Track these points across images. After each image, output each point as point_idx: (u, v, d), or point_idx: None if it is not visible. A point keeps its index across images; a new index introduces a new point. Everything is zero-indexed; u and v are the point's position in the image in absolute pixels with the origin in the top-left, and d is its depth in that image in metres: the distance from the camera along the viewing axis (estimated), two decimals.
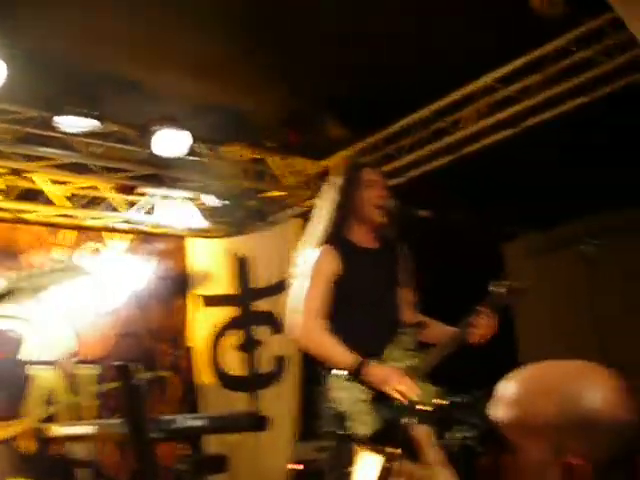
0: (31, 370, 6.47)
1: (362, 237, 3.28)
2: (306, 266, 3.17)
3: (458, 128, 5.56)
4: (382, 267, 3.26)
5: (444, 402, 2.92)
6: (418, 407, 2.85)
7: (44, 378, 6.54)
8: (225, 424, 4.44)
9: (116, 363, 5.02)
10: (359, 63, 5.12)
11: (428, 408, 2.86)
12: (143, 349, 7.07)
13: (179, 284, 7.36)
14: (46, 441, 5.49)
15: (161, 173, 6.33)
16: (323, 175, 6.43)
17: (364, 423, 2.90)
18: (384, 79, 5.21)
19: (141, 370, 5.94)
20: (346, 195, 3.27)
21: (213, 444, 6.11)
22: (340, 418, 2.91)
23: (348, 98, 5.51)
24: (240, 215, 7.05)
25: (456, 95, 5.46)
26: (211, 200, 6.87)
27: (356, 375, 2.93)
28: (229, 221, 7.13)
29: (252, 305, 7.04)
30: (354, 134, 6.12)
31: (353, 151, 6.20)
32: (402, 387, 2.90)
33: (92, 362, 6.82)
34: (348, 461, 2.92)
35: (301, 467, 5.44)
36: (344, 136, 6.07)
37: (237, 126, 6.07)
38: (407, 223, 3.31)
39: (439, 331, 3.27)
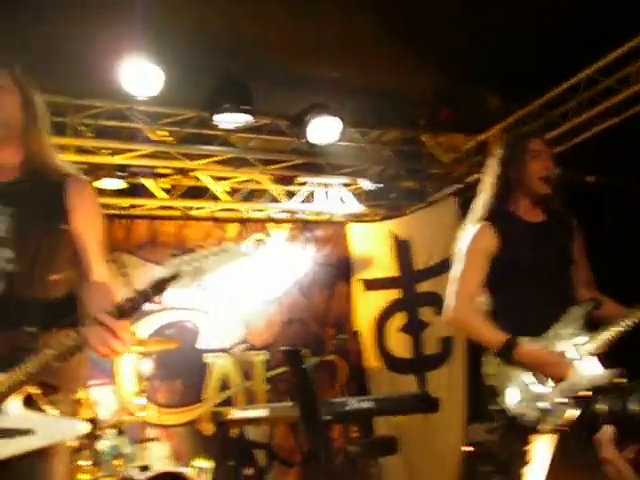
0: (207, 358, 6.82)
1: (527, 210, 3.11)
2: (463, 245, 3.07)
3: (626, 85, 5.13)
4: (550, 241, 3.06)
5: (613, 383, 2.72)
6: (576, 392, 2.69)
7: (219, 365, 6.87)
8: (396, 406, 4.43)
9: (285, 348, 5.18)
10: (508, 28, 4.88)
11: (587, 393, 2.69)
12: (309, 334, 7.23)
13: (341, 269, 7.45)
14: (224, 424, 5.75)
15: (317, 161, 6.40)
16: (480, 150, 6.22)
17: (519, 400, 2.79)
18: (538, 43, 4.94)
19: (309, 355, 6.06)
20: (509, 167, 3.11)
21: (382, 426, 6.15)
22: (497, 396, 2.82)
23: (499, 67, 5.28)
24: (397, 197, 6.99)
25: (621, 50, 5.04)
26: (368, 184, 6.86)
27: (506, 355, 2.79)
28: (387, 204, 7.10)
29: (416, 286, 6.98)
30: (509, 104, 5.86)
31: (510, 122, 5.93)
32: (555, 370, 2.74)
33: (261, 348, 7.08)
34: (518, 442, 2.80)
35: (472, 449, 5.33)
36: (500, 107, 5.83)
37: (388, 108, 6.01)
38: (574, 192, 3.10)
39: (614, 310, 3.03)
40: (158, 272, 2.06)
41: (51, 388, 2.05)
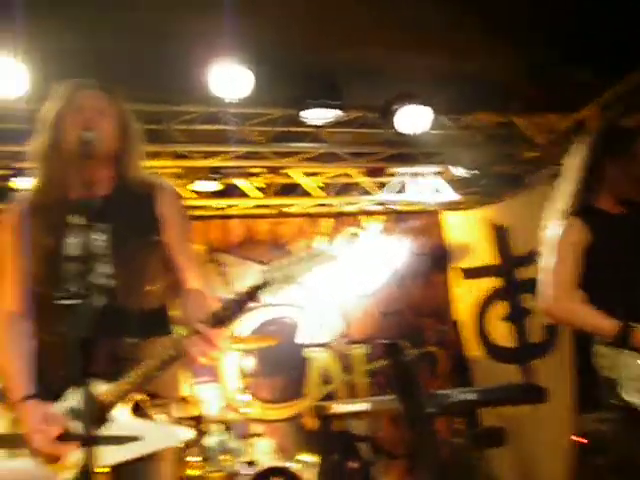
0: (307, 353, 6.88)
1: (609, 204, 2.95)
2: (552, 237, 2.94)
3: None
4: (634, 233, 2.90)
5: None
6: None
7: (319, 359, 6.92)
8: (502, 397, 4.34)
9: (385, 341, 5.17)
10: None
11: None
12: (408, 326, 7.18)
13: (437, 259, 7.36)
14: (327, 418, 5.78)
15: (408, 151, 6.33)
16: (577, 129, 5.97)
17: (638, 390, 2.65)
18: (629, 11, 4.68)
19: (409, 347, 6.01)
20: (599, 160, 2.94)
21: (487, 418, 6.02)
22: (613, 387, 2.69)
23: (589, 41, 5.04)
24: (493, 183, 6.82)
25: None
26: (461, 171, 6.73)
27: (623, 341, 2.66)
28: (482, 190, 6.94)
29: (516, 273, 6.79)
30: (603, 79, 5.59)
31: (606, 98, 5.65)
32: None
33: (360, 341, 7.08)
34: (632, 432, 2.67)
35: (585, 441, 5.14)
36: (594, 82, 5.57)
37: (478, 92, 5.86)
38: None
39: None
40: (250, 280, 2.09)
41: (154, 395, 2.11)
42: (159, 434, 2.07)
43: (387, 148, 6.21)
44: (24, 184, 5.54)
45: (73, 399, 2.01)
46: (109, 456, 1.91)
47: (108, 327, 2.02)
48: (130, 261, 2.15)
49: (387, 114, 5.51)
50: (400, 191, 6.83)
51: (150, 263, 2.21)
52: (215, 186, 6.23)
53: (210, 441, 5.49)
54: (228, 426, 5.71)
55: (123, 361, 2.05)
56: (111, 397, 1.98)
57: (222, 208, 6.70)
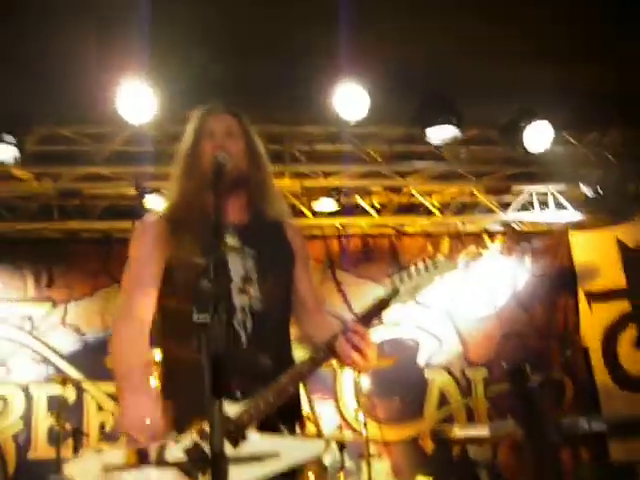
0: (427, 374, 6.79)
1: None
2: None
3: None
4: None
5: None
6: None
7: (438, 381, 6.81)
8: (633, 429, 4.12)
9: (507, 365, 5.02)
10: None
11: None
12: (529, 349, 6.93)
13: (562, 280, 7.08)
14: (445, 442, 5.68)
15: (532, 169, 6.15)
16: None
17: None
18: None
19: (533, 371, 5.80)
20: None
21: (616, 451, 5.70)
22: None
23: None
24: (621, 202, 6.51)
25: None
26: (587, 190, 6.47)
27: None
28: (610, 209, 6.63)
29: None
30: None
31: None
32: None
33: (480, 364, 6.91)
34: None
35: None
36: None
37: (605, 108, 5.62)
38: None
39: None
40: (377, 292, 2.15)
41: (281, 413, 2.13)
42: (294, 449, 2.09)
43: (510, 166, 6.06)
44: (155, 203, 5.84)
45: (209, 418, 2.06)
46: (247, 475, 1.94)
47: (250, 349, 2.11)
48: (273, 287, 2.22)
49: (512, 132, 5.39)
50: (524, 210, 6.64)
51: (288, 290, 2.30)
52: (334, 205, 6.28)
53: (327, 459, 5.49)
54: (343, 445, 5.69)
55: (260, 381, 2.09)
56: (247, 416, 2.02)
57: (341, 227, 6.75)
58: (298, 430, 2.22)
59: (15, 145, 5.01)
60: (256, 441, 1.94)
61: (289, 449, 2.06)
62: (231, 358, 1.82)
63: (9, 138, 4.96)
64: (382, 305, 2.13)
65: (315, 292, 2.41)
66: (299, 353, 2.31)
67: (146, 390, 2.09)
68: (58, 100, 4.87)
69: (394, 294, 2.13)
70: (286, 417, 2.14)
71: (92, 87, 4.75)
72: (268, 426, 2.06)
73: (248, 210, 2.32)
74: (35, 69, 4.50)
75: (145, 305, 2.23)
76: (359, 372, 4.86)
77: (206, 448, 2.00)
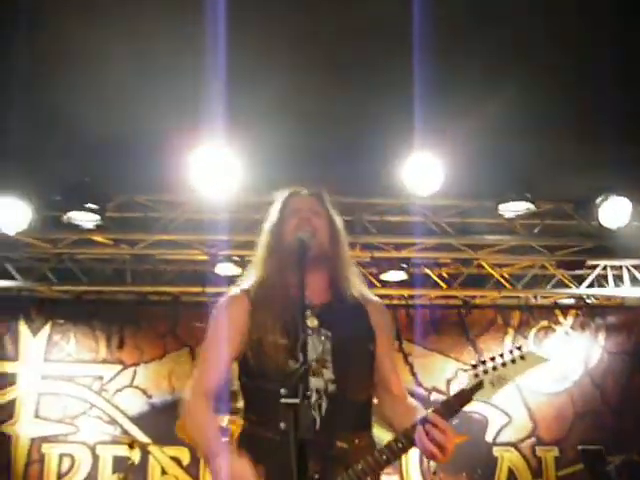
0: (496, 451, 6.57)
1: None
2: None
3: None
4: None
5: None
6: None
7: (507, 459, 6.58)
8: None
9: (583, 447, 4.82)
10: None
11: None
12: (605, 429, 6.65)
13: (638, 358, 6.82)
14: None
15: (606, 244, 6.01)
16: None
17: None
18: None
19: (608, 453, 5.55)
20: None
21: None
22: None
23: None
24: None
25: None
26: None
27: None
28: None
29: None
30: None
31: None
32: None
33: (551, 443, 6.66)
34: None
35: None
36: None
37: None
38: None
39: None
40: (461, 384, 2.09)
41: None
42: None
43: (584, 240, 5.93)
44: (226, 270, 5.94)
45: None
46: None
47: (324, 431, 2.07)
48: (349, 368, 2.20)
49: (588, 207, 5.30)
50: (598, 285, 6.48)
51: (365, 372, 2.26)
52: (403, 275, 6.25)
53: None
54: None
55: (335, 464, 2.07)
56: None
57: (409, 297, 6.69)
58: None
59: (96, 212, 5.18)
60: None
61: None
62: (308, 441, 1.80)
63: (91, 205, 5.15)
64: (464, 398, 2.07)
65: (397, 373, 2.37)
66: (382, 435, 2.27)
67: (230, 450, 2.09)
68: (137, 169, 5.04)
69: (477, 387, 2.06)
70: None
71: (170, 156, 4.90)
72: None
73: (329, 289, 2.33)
74: (115, 140, 4.67)
75: (218, 381, 2.24)
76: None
77: None
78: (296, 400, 1.93)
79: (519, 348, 2.11)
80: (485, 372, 2.07)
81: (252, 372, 2.23)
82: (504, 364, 2.07)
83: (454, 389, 6.64)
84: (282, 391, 2.06)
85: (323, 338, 2.18)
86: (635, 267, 6.44)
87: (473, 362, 2.12)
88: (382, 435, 2.26)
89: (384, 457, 2.06)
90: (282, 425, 2.07)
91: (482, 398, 2.09)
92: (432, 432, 2.01)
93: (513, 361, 2.08)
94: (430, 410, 2.07)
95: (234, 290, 2.36)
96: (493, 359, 2.09)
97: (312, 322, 2.21)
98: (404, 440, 2.06)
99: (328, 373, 2.15)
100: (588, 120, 4.82)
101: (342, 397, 2.14)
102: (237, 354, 2.24)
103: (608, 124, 4.80)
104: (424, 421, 2.03)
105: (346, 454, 2.09)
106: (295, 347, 2.07)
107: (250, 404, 2.26)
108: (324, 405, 2.13)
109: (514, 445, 6.63)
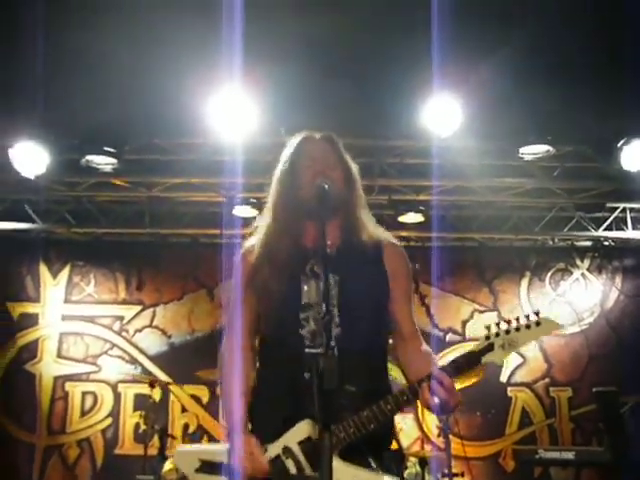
0: (510, 392, 6.66)
1: None
2: None
3: None
4: None
5: None
6: None
7: (522, 400, 6.68)
8: None
9: (597, 389, 4.86)
10: None
11: None
12: (619, 371, 6.69)
13: None
14: (528, 462, 5.54)
15: (627, 187, 5.94)
16: None
17: None
18: None
19: (620, 395, 5.60)
20: None
21: None
22: None
23: None
24: None
25: None
26: None
27: None
28: None
29: None
30: None
31: None
32: None
33: (565, 384, 6.74)
34: None
35: None
36: None
37: None
38: None
39: None
40: (470, 345, 2.08)
41: (371, 441, 2.13)
42: None
43: (604, 183, 5.87)
44: (243, 212, 5.95)
45: (289, 440, 2.10)
46: None
47: (332, 375, 2.08)
48: (357, 313, 2.19)
49: (609, 150, 5.22)
50: (616, 228, 6.44)
51: (375, 317, 2.24)
52: (420, 218, 6.23)
53: (406, 473, 5.46)
54: (424, 460, 5.64)
55: (342, 407, 2.09)
56: (331, 443, 2.01)
57: (425, 239, 6.69)
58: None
59: (113, 155, 5.18)
60: (336, 469, 1.94)
61: None
62: (317, 385, 1.82)
63: (109, 149, 5.14)
64: (472, 359, 2.06)
65: (412, 318, 2.32)
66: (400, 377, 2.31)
67: (244, 429, 2.16)
68: (154, 112, 5.01)
69: (487, 349, 2.05)
70: (374, 446, 2.12)
71: (187, 99, 4.86)
72: (356, 454, 2.05)
73: (341, 235, 2.30)
74: (132, 83, 4.63)
75: (242, 333, 2.28)
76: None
77: (289, 465, 2.07)
78: (319, 350, 1.99)
79: (537, 314, 2.08)
80: (497, 335, 2.05)
81: (266, 324, 2.25)
82: (518, 329, 2.04)
83: (469, 330, 6.72)
84: (306, 341, 2.14)
85: (332, 282, 2.16)
86: None
87: (488, 324, 2.10)
88: (400, 377, 2.30)
89: (388, 407, 2.06)
90: (306, 375, 2.08)
91: (491, 361, 2.07)
92: (437, 389, 2.01)
93: (528, 326, 2.04)
94: (438, 368, 2.06)
95: (246, 244, 2.36)
96: (509, 322, 2.07)
97: (317, 269, 2.20)
98: (410, 393, 2.07)
99: (336, 317, 2.14)
100: (609, 62, 4.72)
101: (349, 342, 2.13)
102: (256, 308, 2.27)
103: (630, 66, 4.70)
104: (431, 378, 2.03)
105: (354, 398, 2.09)
106: (298, 294, 2.15)
107: (266, 354, 2.29)
108: (331, 348, 2.05)
109: (528, 385, 6.71)
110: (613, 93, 4.98)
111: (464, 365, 2.06)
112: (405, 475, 5.45)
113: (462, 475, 5.58)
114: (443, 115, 4.94)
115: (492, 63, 4.77)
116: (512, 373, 6.70)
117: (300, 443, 2.09)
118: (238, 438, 2.11)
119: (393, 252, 2.33)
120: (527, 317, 2.06)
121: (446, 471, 5.47)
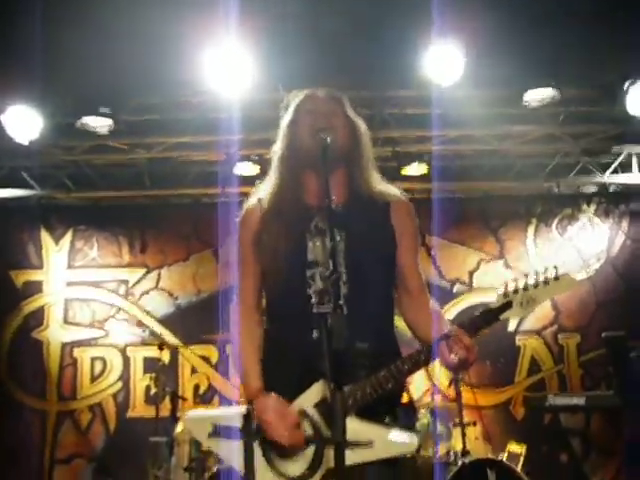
0: (519, 340, 6.67)
1: None
2: None
3: None
4: None
5: None
6: None
7: (530, 347, 6.69)
8: None
9: (606, 334, 4.86)
10: None
11: None
12: (626, 317, 6.69)
13: None
14: (538, 409, 5.58)
15: (632, 130, 5.85)
16: None
17: None
18: None
19: (628, 340, 5.61)
20: None
21: None
22: None
23: None
24: None
25: None
26: None
27: None
28: None
29: None
30: None
31: None
32: None
33: (573, 330, 6.74)
34: None
35: None
36: None
37: None
38: None
39: None
40: (490, 303, 2.05)
41: (384, 398, 2.11)
42: (389, 440, 2.05)
43: (610, 127, 5.78)
44: (246, 170, 5.86)
45: (305, 403, 2.08)
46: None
47: (340, 334, 2.05)
48: (363, 269, 2.16)
49: (615, 93, 5.12)
50: (623, 172, 6.36)
51: (382, 273, 2.21)
52: (424, 169, 6.15)
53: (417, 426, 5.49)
54: (433, 409, 5.67)
55: (355, 365, 2.07)
56: (342, 402, 2.00)
57: (430, 191, 6.62)
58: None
59: (110, 116, 5.08)
60: (354, 428, 1.92)
61: (383, 442, 2.03)
62: (329, 343, 1.84)
63: (104, 110, 5.04)
64: (490, 316, 2.04)
65: (419, 274, 2.29)
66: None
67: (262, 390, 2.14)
68: (149, 72, 4.90)
69: (505, 307, 2.02)
70: (387, 402, 2.10)
71: (183, 56, 4.75)
72: (370, 412, 2.04)
73: (346, 190, 2.26)
74: (127, 42, 4.53)
75: (251, 291, 2.28)
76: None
77: (306, 427, 2.05)
78: (328, 309, 1.98)
79: (555, 267, 2.04)
80: (515, 292, 2.02)
81: (274, 283, 2.23)
82: (536, 285, 2.00)
83: (476, 280, 6.69)
84: (313, 300, 2.11)
85: (338, 239, 2.12)
86: None
87: (505, 281, 2.05)
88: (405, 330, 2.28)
89: (406, 367, 2.06)
90: (314, 334, 2.08)
91: (510, 317, 2.05)
92: (454, 347, 1.99)
93: (546, 282, 2.00)
94: (455, 326, 2.04)
95: (249, 202, 2.32)
96: (526, 276, 2.03)
97: (322, 225, 2.16)
98: (427, 353, 2.05)
99: (343, 275, 2.11)
100: (614, 4, 4.60)
101: (357, 300, 2.11)
102: (262, 267, 2.24)
103: (636, 7, 4.58)
104: (448, 336, 2.01)
105: (367, 356, 2.06)
106: (304, 251, 2.13)
107: (274, 313, 2.26)
108: (339, 306, 2.05)
109: (536, 333, 6.71)
110: (618, 35, 4.86)
111: (482, 323, 2.04)
112: (417, 426, 5.48)
113: (474, 424, 5.59)
114: (444, 63, 4.83)
115: (493, 8, 4.65)
116: (520, 321, 6.69)
117: (316, 405, 2.07)
118: (263, 397, 2.10)
119: (401, 207, 2.29)
120: (545, 271, 2.02)
121: (457, 420, 5.51)
